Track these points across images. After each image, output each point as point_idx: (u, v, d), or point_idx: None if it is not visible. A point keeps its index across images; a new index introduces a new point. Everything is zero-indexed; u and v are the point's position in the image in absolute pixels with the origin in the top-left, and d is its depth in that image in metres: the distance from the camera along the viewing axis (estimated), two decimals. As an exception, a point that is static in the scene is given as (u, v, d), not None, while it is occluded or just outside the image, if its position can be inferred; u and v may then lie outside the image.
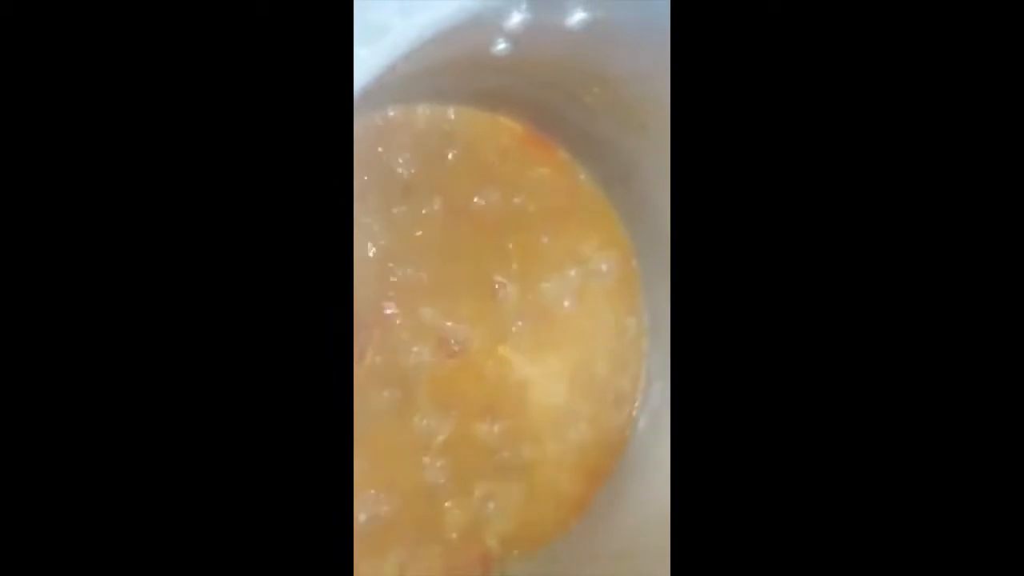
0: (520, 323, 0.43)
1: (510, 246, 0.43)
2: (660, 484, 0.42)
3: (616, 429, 0.44)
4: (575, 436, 0.44)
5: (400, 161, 0.42)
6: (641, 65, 0.34)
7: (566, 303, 0.44)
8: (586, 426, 0.44)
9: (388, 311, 0.41)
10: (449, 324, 0.42)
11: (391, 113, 0.41)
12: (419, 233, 0.42)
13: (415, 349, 0.42)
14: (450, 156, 0.42)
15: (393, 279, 0.42)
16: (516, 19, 0.30)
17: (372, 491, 0.41)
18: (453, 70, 0.36)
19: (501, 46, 0.33)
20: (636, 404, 0.45)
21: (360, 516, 0.40)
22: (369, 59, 0.27)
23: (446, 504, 0.42)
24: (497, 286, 0.43)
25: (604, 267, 0.44)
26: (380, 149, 0.41)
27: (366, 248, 0.41)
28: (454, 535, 0.42)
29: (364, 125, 0.41)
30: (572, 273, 0.44)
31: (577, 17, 0.31)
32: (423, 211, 0.42)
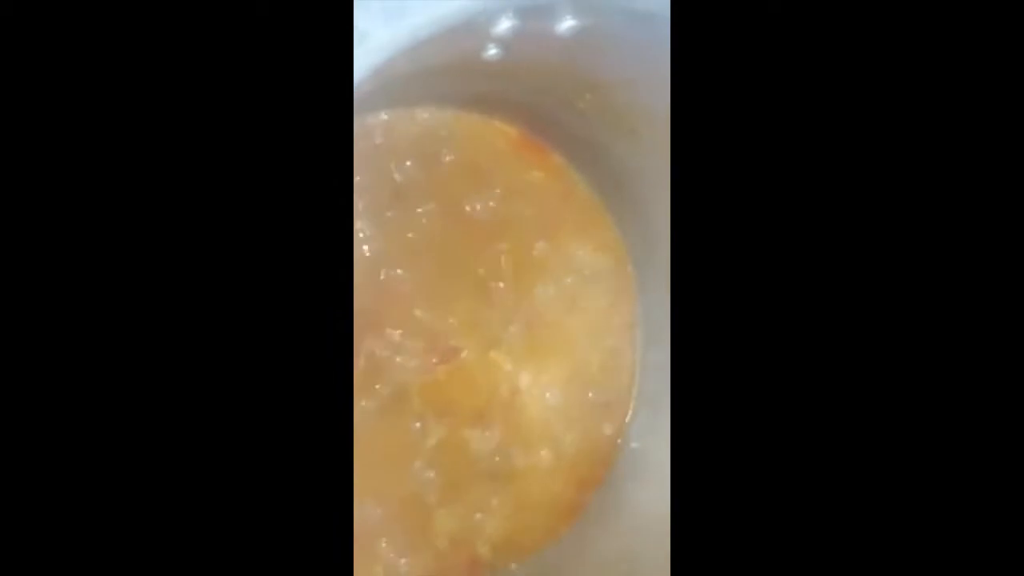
0: (513, 328, 0.43)
1: (503, 250, 0.43)
2: (652, 491, 0.42)
3: (608, 436, 0.44)
4: (567, 442, 0.44)
5: (393, 164, 0.41)
6: (630, 72, 0.33)
7: (559, 308, 0.44)
8: (578, 433, 0.44)
9: (380, 315, 0.41)
10: (442, 328, 0.42)
11: (384, 117, 0.41)
12: (412, 236, 0.42)
13: (407, 353, 0.42)
14: (444, 160, 0.42)
15: (386, 282, 0.41)
16: (505, 25, 0.30)
17: (362, 496, 0.41)
18: (446, 74, 0.36)
19: (492, 52, 0.33)
20: (629, 411, 0.44)
21: (349, 521, 0.40)
22: (355, 62, 0.27)
23: (436, 510, 0.42)
24: (490, 290, 0.43)
25: (598, 272, 0.44)
26: (374, 152, 0.41)
27: (359, 251, 0.41)
28: (444, 541, 0.42)
29: (357, 128, 0.40)
30: (565, 278, 0.44)
31: (567, 24, 0.31)
32: (416, 214, 0.42)
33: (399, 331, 0.42)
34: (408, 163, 0.41)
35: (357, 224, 0.41)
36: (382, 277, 0.41)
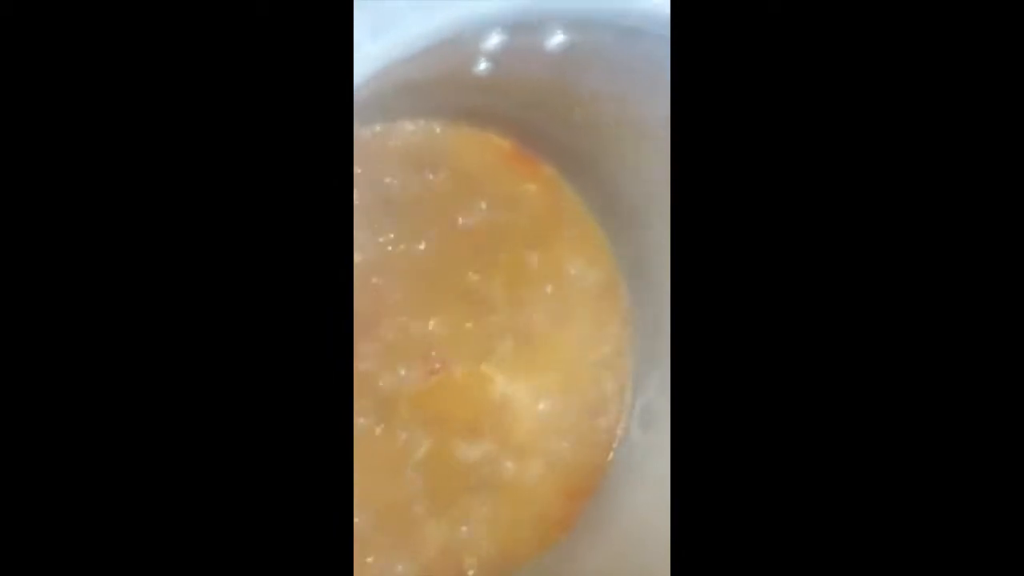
0: (504, 339, 0.43)
1: (495, 262, 0.43)
2: (643, 503, 0.42)
3: (599, 447, 0.44)
4: (557, 454, 0.44)
5: (385, 176, 0.41)
6: (620, 87, 0.34)
7: (551, 319, 0.44)
8: (569, 444, 0.44)
9: (371, 324, 0.41)
10: (432, 339, 0.42)
11: (376, 128, 0.41)
12: (404, 247, 0.42)
13: (397, 364, 0.42)
14: (436, 171, 0.42)
15: (376, 293, 0.41)
16: (495, 41, 0.30)
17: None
18: (437, 88, 0.36)
19: (483, 66, 0.33)
20: (620, 422, 0.44)
21: (338, 532, 0.40)
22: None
23: (426, 520, 0.42)
24: (481, 301, 0.43)
25: (589, 284, 0.44)
26: (365, 163, 0.41)
27: (350, 261, 0.41)
28: (433, 552, 0.42)
29: (350, 139, 0.40)
30: (557, 289, 0.44)
31: (556, 40, 0.31)
32: (408, 225, 0.42)
33: (390, 341, 0.41)
34: (400, 174, 0.41)
35: (349, 235, 0.41)
36: (374, 287, 0.41)
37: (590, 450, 0.44)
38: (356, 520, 0.41)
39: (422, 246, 0.42)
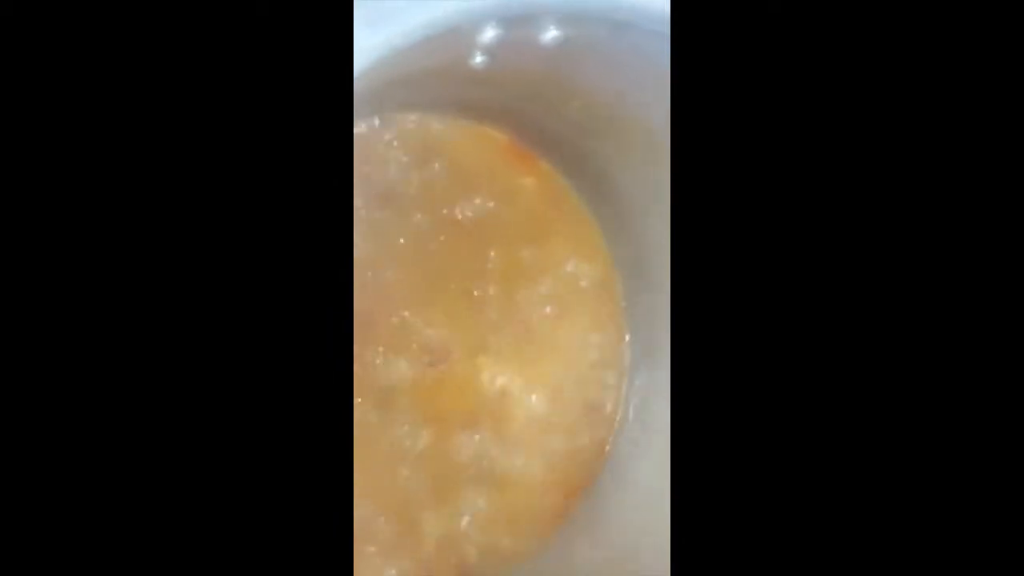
0: (501, 333, 0.43)
1: (492, 256, 0.43)
2: (640, 496, 0.42)
3: (596, 441, 0.44)
4: (555, 448, 0.44)
5: (382, 169, 0.41)
6: (615, 81, 0.34)
7: (547, 313, 0.44)
8: (566, 438, 0.44)
9: (369, 318, 0.41)
10: (429, 333, 0.42)
11: (373, 122, 0.41)
12: (401, 241, 0.42)
13: (395, 358, 0.42)
14: (433, 165, 0.42)
15: (374, 286, 0.41)
16: (490, 34, 0.30)
17: (349, 499, 0.41)
18: (433, 81, 0.36)
19: (479, 59, 0.33)
20: (616, 416, 0.44)
21: (336, 525, 0.40)
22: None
23: (423, 514, 0.42)
24: (478, 296, 0.43)
25: (586, 278, 0.44)
26: (362, 157, 0.41)
27: (348, 255, 0.41)
28: (431, 545, 0.42)
29: (347, 133, 0.41)
30: (553, 284, 0.44)
31: (551, 34, 0.31)
32: (405, 219, 0.42)
33: (388, 335, 0.42)
34: (397, 168, 0.41)
35: (347, 228, 0.41)
36: (371, 281, 0.41)
37: (587, 445, 0.44)
38: (355, 512, 0.41)
39: (419, 240, 0.42)
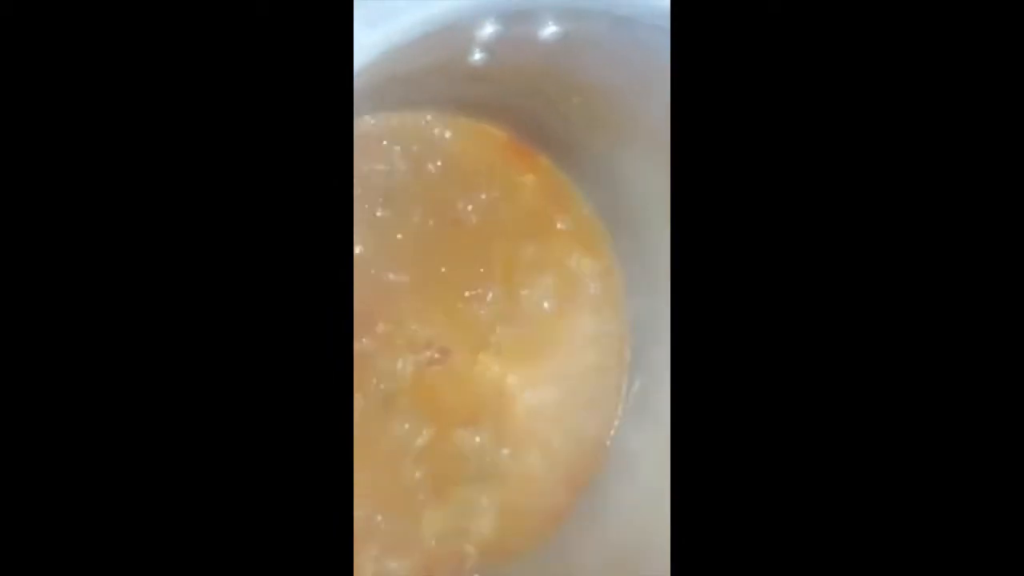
0: (502, 330, 0.43)
1: (493, 252, 0.43)
2: (640, 493, 0.42)
3: (596, 438, 0.44)
4: (555, 444, 0.44)
5: (383, 166, 0.41)
6: (614, 76, 0.33)
7: (548, 310, 0.44)
8: (566, 435, 0.44)
9: (370, 316, 0.41)
10: (430, 330, 0.42)
11: (373, 120, 0.41)
12: (401, 238, 0.42)
13: (396, 355, 0.42)
14: (434, 162, 0.42)
15: (375, 284, 0.41)
16: (489, 31, 0.30)
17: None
18: (432, 78, 0.36)
19: (478, 56, 0.33)
20: (617, 413, 0.44)
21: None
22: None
23: (425, 510, 0.42)
24: (479, 293, 0.43)
25: (586, 274, 0.44)
26: (362, 154, 0.41)
27: (348, 253, 0.41)
28: (432, 542, 0.42)
29: (347, 130, 0.40)
30: (554, 280, 0.44)
31: (550, 30, 0.31)
32: (406, 216, 0.42)
33: (388, 332, 0.42)
34: (397, 165, 0.41)
35: (347, 226, 0.41)
36: (371, 279, 0.41)
37: (587, 441, 0.44)
38: (356, 509, 0.41)
39: (420, 237, 0.42)
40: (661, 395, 0.42)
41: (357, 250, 0.41)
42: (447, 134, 0.42)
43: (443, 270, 0.42)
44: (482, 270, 0.43)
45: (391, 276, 0.42)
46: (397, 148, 0.41)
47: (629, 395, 0.44)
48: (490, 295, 0.43)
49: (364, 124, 0.41)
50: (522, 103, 0.40)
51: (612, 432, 0.44)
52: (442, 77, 0.36)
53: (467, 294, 0.43)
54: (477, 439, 0.43)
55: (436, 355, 0.42)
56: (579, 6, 0.30)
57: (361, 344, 0.41)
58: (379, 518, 0.41)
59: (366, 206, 0.41)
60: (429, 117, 0.42)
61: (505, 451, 0.43)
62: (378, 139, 0.41)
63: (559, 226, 0.44)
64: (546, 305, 0.43)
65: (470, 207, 0.42)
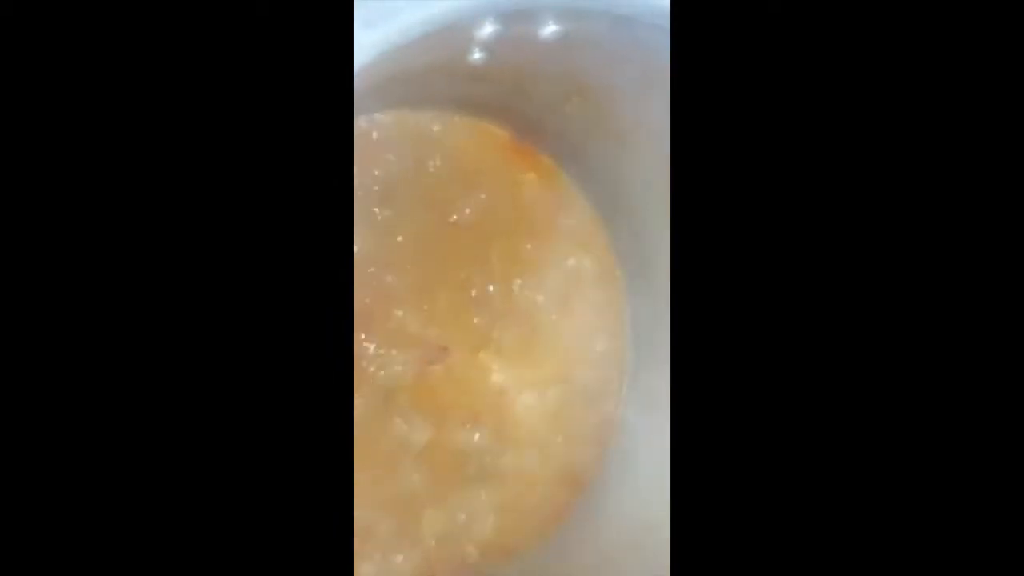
0: (502, 330, 0.43)
1: (493, 252, 0.43)
2: (641, 493, 0.42)
3: (597, 439, 0.44)
4: (555, 444, 0.44)
5: (382, 166, 0.41)
6: (615, 76, 0.33)
7: (548, 310, 0.44)
8: (566, 434, 0.44)
9: (369, 315, 0.41)
10: (430, 330, 0.42)
11: (372, 118, 0.41)
12: (401, 238, 0.42)
13: (395, 354, 0.42)
14: (434, 161, 0.42)
15: (374, 284, 0.41)
16: (488, 30, 0.30)
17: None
18: (432, 77, 0.36)
19: (478, 56, 0.33)
20: (617, 412, 0.44)
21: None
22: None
23: (424, 510, 0.42)
24: (479, 292, 0.43)
25: (587, 274, 0.44)
26: (362, 154, 0.41)
27: (348, 252, 0.41)
28: (432, 542, 0.42)
29: (346, 130, 0.40)
30: (555, 279, 0.44)
31: (550, 30, 0.31)
32: (405, 215, 0.42)
33: (388, 331, 0.42)
34: (396, 164, 0.41)
35: (346, 225, 0.41)
36: (371, 279, 0.41)
37: (587, 440, 0.44)
38: (356, 509, 0.41)
39: (420, 236, 0.42)
40: (661, 395, 0.42)
41: (357, 250, 0.41)
42: (447, 133, 0.42)
43: (443, 270, 0.42)
44: (483, 269, 0.43)
45: (391, 276, 0.42)
46: (397, 147, 0.41)
47: (629, 395, 0.44)
48: (490, 294, 0.43)
49: (364, 123, 0.41)
50: (522, 103, 0.40)
51: (612, 432, 0.44)
52: (442, 77, 0.36)
53: (467, 294, 0.43)
54: (477, 438, 0.43)
55: (436, 355, 0.42)
56: (579, 6, 0.30)
57: (361, 344, 0.41)
58: (378, 519, 0.41)
59: (366, 206, 0.41)
60: (430, 116, 0.42)
61: (505, 451, 0.43)
62: (378, 139, 0.41)
63: (560, 225, 0.44)
64: (546, 304, 0.43)
65: (470, 206, 0.42)
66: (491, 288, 0.43)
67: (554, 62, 0.34)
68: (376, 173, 0.41)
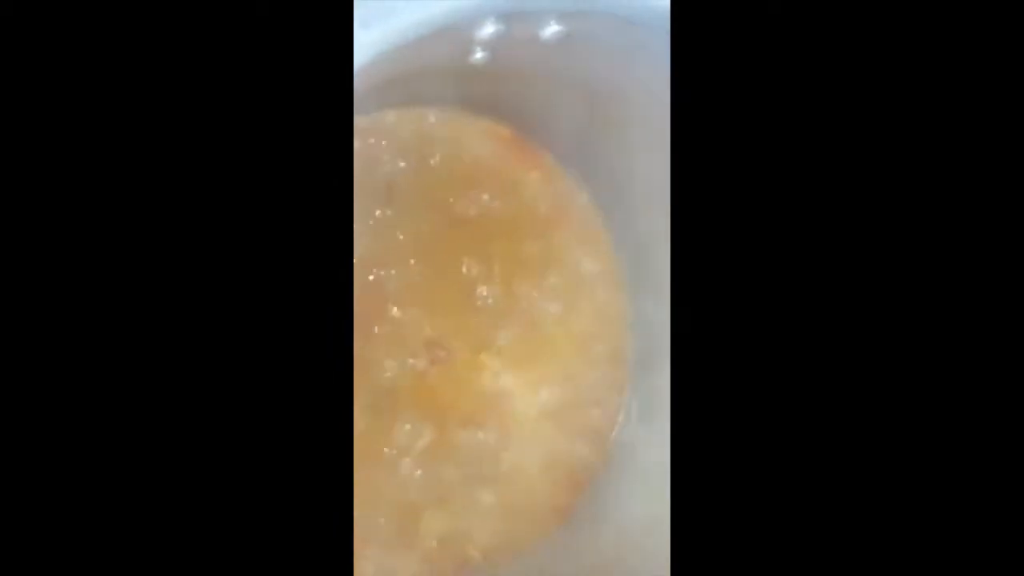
0: (504, 330, 0.43)
1: (494, 252, 0.43)
2: (642, 494, 0.42)
3: (598, 439, 0.44)
4: (557, 444, 0.44)
5: (383, 165, 0.41)
6: (617, 76, 0.33)
7: (550, 310, 0.44)
8: (568, 435, 0.44)
9: (370, 315, 0.41)
10: (431, 330, 0.42)
11: (373, 118, 0.41)
12: (402, 237, 0.42)
13: (397, 355, 0.42)
14: (435, 160, 0.42)
15: (376, 283, 0.41)
16: (490, 30, 0.30)
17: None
18: (433, 77, 0.36)
19: (479, 55, 0.33)
20: (618, 413, 0.44)
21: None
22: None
23: (425, 511, 0.42)
24: (480, 292, 0.43)
25: (589, 274, 0.44)
26: (363, 153, 0.41)
27: (349, 252, 0.41)
28: (433, 542, 0.42)
29: (347, 129, 0.40)
30: (557, 279, 0.44)
31: (552, 30, 0.31)
32: (406, 216, 0.42)
33: (389, 331, 0.42)
34: (398, 164, 0.41)
35: (347, 225, 0.41)
36: (372, 278, 0.41)
37: (588, 441, 0.44)
38: (356, 509, 0.41)
39: (421, 236, 0.42)
40: (662, 395, 0.42)
41: (357, 250, 0.41)
42: (449, 133, 0.42)
43: (445, 269, 0.42)
44: (484, 269, 0.43)
45: (391, 274, 0.42)
46: (398, 147, 0.41)
47: (630, 395, 0.44)
48: (491, 295, 0.43)
49: (364, 123, 0.41)
50: (523, 102, 0.40)
51: (613, 432, 0.44)
52: (443, 76, 0.36)
53: (469, 294, 0.43)
54: (478, 439, 0.43)
55: (437, 356, 0.42)
56: (580, 6, 0.30)
57: (361, 344, 0.41)
58: (379, 519, 0.41)
59: (367, 206, 0.41)
60: (430, 115, 0.42)
61: (506, 451, 0.43)
62: (378, 138, 0.41)
63: (562, 224, 0.43)
64: (548, 304, 0.43)
65: (472, 206, 0.42)
66: (493, 288, 0.43)
67: (556, 62, 0.34)
68: (377, 174, 0.41)
